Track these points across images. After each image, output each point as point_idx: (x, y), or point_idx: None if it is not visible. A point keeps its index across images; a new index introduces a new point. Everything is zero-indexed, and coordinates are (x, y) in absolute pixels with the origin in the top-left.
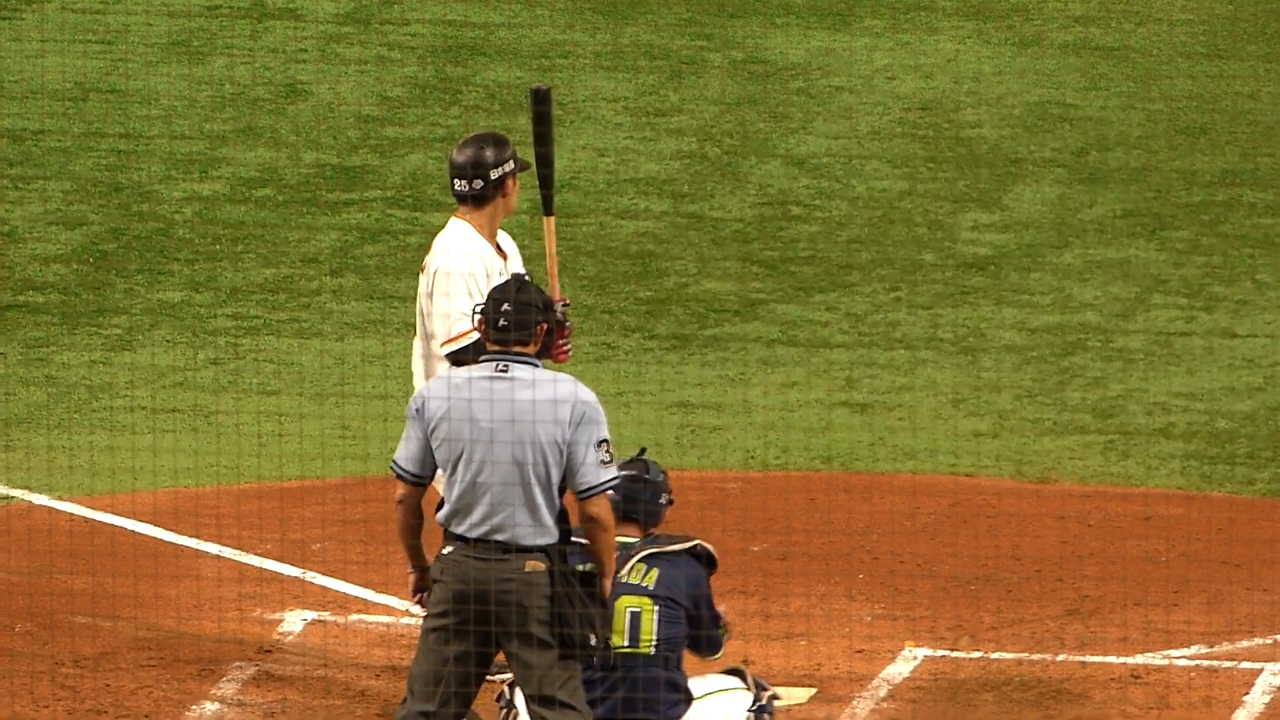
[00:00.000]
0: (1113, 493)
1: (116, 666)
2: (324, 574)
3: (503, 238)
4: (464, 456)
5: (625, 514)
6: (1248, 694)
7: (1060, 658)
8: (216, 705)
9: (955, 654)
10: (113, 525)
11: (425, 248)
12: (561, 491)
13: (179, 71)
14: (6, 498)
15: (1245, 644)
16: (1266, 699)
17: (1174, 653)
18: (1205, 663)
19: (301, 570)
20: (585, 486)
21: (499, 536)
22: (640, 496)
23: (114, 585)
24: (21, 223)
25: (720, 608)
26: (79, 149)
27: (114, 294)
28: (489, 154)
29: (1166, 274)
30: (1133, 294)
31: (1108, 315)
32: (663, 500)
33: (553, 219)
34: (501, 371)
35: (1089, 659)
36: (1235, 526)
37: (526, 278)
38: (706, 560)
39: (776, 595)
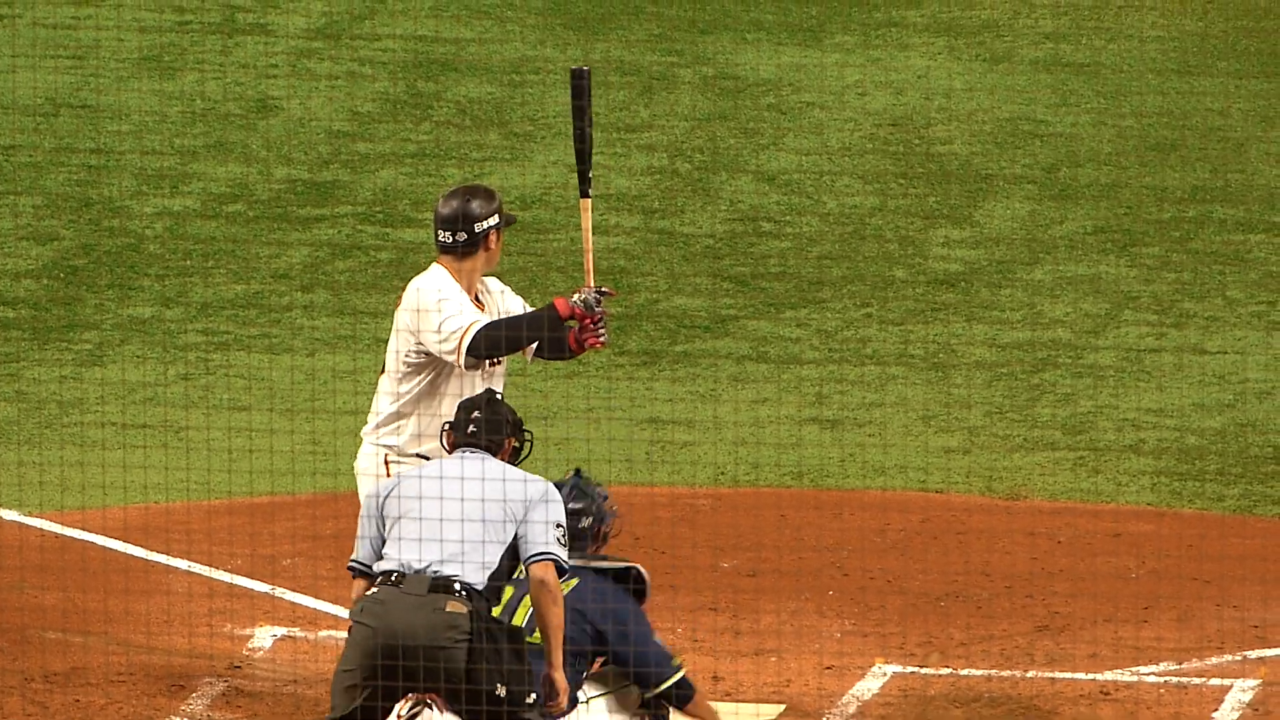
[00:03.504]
0: (1083, 509)
1: (86, 682)
2: (294, 590)
3: (491, 284)
4: (409, 510)
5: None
6: (1217, 710)
7: (1030, 674)
8: None
9: (925, 670)
10: (83, 541)
11: (395, 263)
12: (506, 559)
13: (150, 87)
14: None
15: (1215, 660)
16: (1235, 715)
17: (1143, 669)
18: (1175, 679)
19: (271, 586)
20: (536, 550)
21: (430, 566)
22: (576, 531)
23: (84, 601)
24: None
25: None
26: (50, 164)
27: (84, 309)
28: (474, 207)
29: (1137, 290)
30: (1103, 310)
31: (1078, 331)
32: (585, 524)
33: (588, 201)
34: (463, 453)
35: (1059, 675)
36: (1205, 543)
37: (498, 396)
38: (636, 582)
39: (746, 612)
